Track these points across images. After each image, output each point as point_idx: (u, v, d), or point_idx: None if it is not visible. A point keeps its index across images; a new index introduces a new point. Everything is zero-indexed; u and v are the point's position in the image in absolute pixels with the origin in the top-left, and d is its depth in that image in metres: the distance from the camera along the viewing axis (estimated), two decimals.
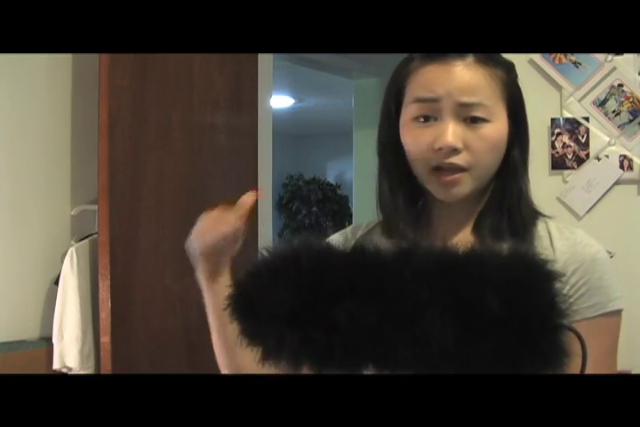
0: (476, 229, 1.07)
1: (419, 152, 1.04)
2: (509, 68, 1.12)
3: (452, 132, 1.01)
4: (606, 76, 1.99)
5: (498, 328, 0.76)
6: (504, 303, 0.76)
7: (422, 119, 1.04)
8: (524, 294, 0.77)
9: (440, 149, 1.01)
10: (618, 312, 1.05)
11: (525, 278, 0.77)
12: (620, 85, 1.98)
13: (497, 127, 1.04)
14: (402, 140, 1.07)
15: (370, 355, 0.81)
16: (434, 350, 0.77)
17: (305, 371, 0.89)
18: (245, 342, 0.84)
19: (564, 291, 0.94)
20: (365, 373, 0.88)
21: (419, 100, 1.04)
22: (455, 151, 1.01)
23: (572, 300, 0.98)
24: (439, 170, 1.02)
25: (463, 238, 1.06)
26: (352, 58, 3.87)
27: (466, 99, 1.02)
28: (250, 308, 0.81)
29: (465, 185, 1.03)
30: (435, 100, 1.03)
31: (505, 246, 0.95)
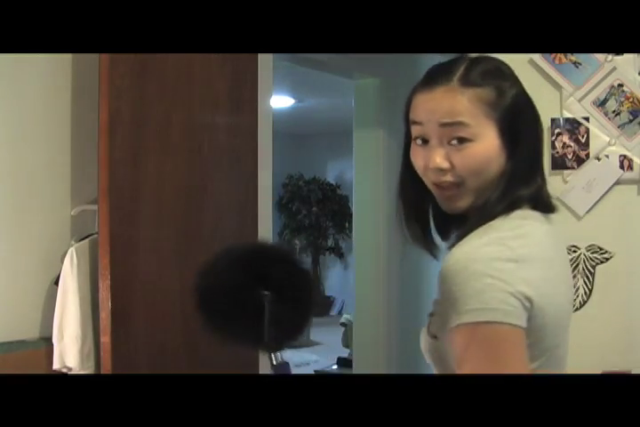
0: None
1: (421, 171, 1.15)
2: (501, 88, 1.14)
3: (437, 153, 1.11)
4: (606, 76, 1.98)
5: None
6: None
7: (420, 141, 1.14)
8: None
9: (431, 169, 1.12)
10: (472, 325, 0.94)
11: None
12: (620, 85, 1.97)
13: (482, 146, 1.10)
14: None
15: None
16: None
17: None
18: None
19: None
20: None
21: (413, 123, 1.15)
22: (443, 171, 1.11)
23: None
24: (438, 186, 1.13)
25: None
26: (352, 58, 3.86)
27: (446, 119, 1.10)
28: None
29: (464, 200, 1.12)
30: (421, 124, 1.13)
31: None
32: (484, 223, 1.06)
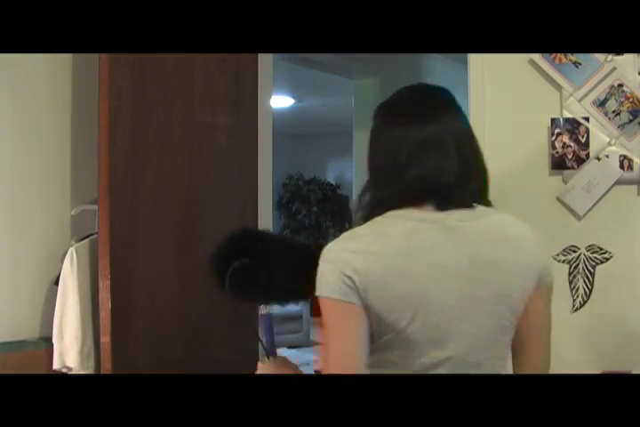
0: None
1: None
2: (375, 112, 1.40)
3: None
4: (606, 76, 1.98)
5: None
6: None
7: None
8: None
9: None
10: (318, 297, 1.26)
11: None
12: (620, 85, 1.97)
13: None
14: None
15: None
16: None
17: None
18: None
19: None
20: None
21: None
22: None
23: None
24: None
25: None
26: (352, 58, 3.87)
27: None
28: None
29: None
30: None
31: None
32: (364, 221, 1.31)
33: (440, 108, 1.35)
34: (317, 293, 1.25)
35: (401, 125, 1.33)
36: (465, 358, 1.25)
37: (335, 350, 1.24)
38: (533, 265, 1.34)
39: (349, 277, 1.22)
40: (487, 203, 1.36)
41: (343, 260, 1.24)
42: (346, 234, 1.30)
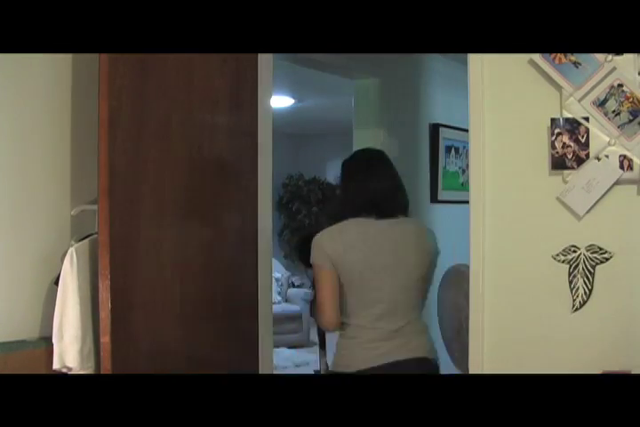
0: None
1: None
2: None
3: None
4: (606, 76, 1.98)
5: None
6: None
7: None
8: None
9: None
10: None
11: None
12: (620, 85, 1.97)
13: None
14: None
15: None
16: None
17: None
18: None
19: None
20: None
21: None
22: None
23: None
24: None
25: None
26: (352, 58, 3.86)
27: None
28: None
29: None
30: None
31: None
32: (335, 223, 2.37)
33: (376, 165, 2.42)
34: (311, 261, 2.33)
35: (353, 177, 2.41)
36: (392, 298, 2.31)
37: (320, 290, 2.31)
38: (426, 251, 2.42)
39: (325, 252, 2.30)
40: (406, 215, 2.43)
41: (322, 243, 2.32)
42: (325, 229, 2.35)
